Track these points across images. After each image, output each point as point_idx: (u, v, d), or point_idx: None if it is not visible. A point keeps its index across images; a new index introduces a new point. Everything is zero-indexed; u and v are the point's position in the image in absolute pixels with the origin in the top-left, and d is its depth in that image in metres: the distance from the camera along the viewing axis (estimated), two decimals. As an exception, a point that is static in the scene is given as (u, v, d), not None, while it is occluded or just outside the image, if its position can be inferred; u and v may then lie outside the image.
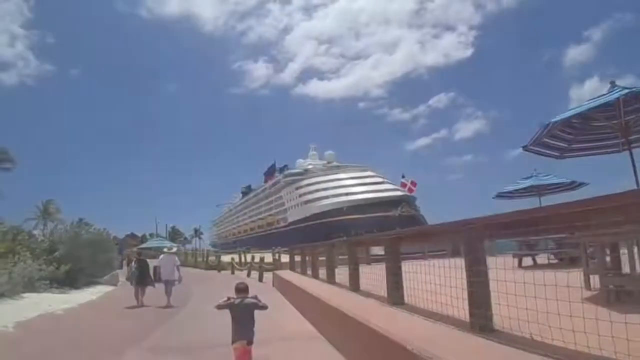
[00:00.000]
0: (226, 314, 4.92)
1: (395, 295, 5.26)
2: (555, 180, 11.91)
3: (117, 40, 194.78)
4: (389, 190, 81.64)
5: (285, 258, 26.10)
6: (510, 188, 12.56)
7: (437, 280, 4.34)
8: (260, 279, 20.01)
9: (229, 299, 4.96)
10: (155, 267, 20.71)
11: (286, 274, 14.45)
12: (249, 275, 23.64)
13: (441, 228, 4.90)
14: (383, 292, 5.60)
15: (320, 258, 11.76)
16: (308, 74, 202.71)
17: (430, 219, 72.40)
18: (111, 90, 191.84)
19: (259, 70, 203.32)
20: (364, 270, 7.50)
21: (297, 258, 16.68)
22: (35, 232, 20.49)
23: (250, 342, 4.82)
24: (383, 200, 76.55)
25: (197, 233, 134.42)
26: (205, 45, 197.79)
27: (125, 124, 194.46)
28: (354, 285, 7.28)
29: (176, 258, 14.48)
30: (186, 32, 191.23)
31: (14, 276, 14.05)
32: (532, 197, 12.54)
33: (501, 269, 3.43)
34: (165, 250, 15.89)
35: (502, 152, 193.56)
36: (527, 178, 11.90)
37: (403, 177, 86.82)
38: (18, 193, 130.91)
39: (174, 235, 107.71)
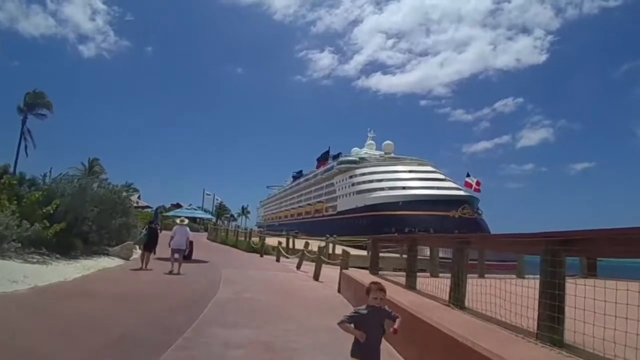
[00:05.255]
0: None
1: None
2: None
3: (190, 22, 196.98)
4: (450, 188, 74.35)
5: (339, 250, 20.70)
6: None
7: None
8: (317, 277, 14.44)
9: (356, 312, 3.47)
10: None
11: (367, 279, 8.67)
12: (299, 267, 18.14)
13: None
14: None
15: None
16: (373, 67, 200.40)
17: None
18: (180, 69, 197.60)
19: (324, 60, 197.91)
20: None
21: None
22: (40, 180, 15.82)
23: None
24: (443, 198, 69.30)
25: (244, 211, 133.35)
26: (274, 32, 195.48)
27: (189, 103, 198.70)
28: None
29: (187, 229, 14.73)
30: (257, 19, 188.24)
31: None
32: None
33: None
34: (177, 221, 15.72)
35: (566, 164, 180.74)
36: None
37: (468, 175, 79.07)
38: (74, 154, 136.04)
39: (221, 210, 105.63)
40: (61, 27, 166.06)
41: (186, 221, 15.63)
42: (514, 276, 12.24)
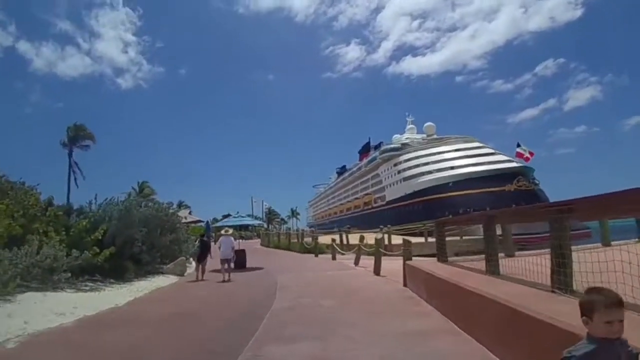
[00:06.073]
0: None
1: None
2: None
3: (217, 38, 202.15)
4: (501, 162, 70.54)
5: (396, 240, 19.58)
6: None
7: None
8: (378, 272, 13.49)
9: (575, 350, 1.93)
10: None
11: (438, 269, 7.59)
12: (357, 262, 17.25)
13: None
14: None
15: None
16: (401, 51, 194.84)
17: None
18: (213, 85, 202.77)
19: (351, 52, 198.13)
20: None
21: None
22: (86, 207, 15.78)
23: None
24: (495, 173, 65.80)
25: (294, 213, 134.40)
26: (298, 34, 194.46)
27: (228, 114, 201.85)
28: None
29: (232, 239, 15.32)
30: (280, 24, 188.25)
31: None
32: None
33: None
34: (222, 232, 16.60)
35: (619, 121, 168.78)
36: None
37: (519, 145, 75.05)
38: (124, 180, 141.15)
39: (271, 215, 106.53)
40: (97, 64, 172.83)
41: (230, 231, 16.56)
42: (597, 244, 10.73)
